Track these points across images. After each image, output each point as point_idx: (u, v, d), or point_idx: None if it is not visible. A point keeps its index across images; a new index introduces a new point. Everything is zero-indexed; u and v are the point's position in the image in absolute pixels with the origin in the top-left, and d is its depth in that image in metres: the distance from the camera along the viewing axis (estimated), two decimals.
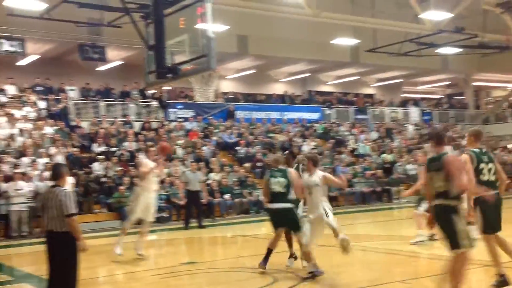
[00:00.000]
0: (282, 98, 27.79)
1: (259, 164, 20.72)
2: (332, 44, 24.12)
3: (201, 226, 15.50)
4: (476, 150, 6.84)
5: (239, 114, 24.78)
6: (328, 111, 27.63)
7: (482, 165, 6.71)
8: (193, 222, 15.73)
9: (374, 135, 26.42)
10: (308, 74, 30.09)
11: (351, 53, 26.86)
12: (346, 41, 24.19)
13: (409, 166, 22.67)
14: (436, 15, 20.57)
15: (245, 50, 24.58)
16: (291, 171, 8.43)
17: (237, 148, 21.92)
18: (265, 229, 14.14)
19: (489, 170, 6.75)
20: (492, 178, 6.77)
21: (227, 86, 28.07)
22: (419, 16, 20.77)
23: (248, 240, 13.14)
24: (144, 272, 9.34)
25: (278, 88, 30.04)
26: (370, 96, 32.88)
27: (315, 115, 27.09)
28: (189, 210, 15.79)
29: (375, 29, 22.58)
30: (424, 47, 22.35)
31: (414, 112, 30.29)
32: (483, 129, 20.58)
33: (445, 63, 30.09)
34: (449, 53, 25.48)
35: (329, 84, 32.28)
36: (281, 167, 8.42)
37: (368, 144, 24.95)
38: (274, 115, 25.88)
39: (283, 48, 24.49)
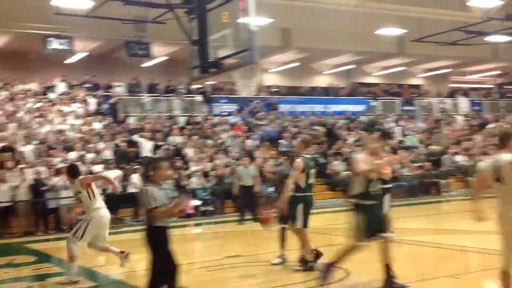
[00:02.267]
0: (326, 91, 27.53)
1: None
2: (377, 35, 23.71)
3: (255, 220, 15.49)
4: None
5: (283, 108, 24.70)
6: (373, 103, 27.22)
7: None
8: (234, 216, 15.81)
9: (421, 126, 25.87)
10: (352, 66, 29.70)
11: (397, 43, 26.31)
12: (391, 31, 23.72)
13: (458, 158, 22.08)
14: (485, 2, 19.88)
15: (289, 43, 24.44)
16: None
17: (280, 141, 21.87)
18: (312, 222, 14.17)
19: None
20: None
21: (270, 79, 28.03)
22: (467, 4, 20.14)
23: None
24: (189, 266, 9.45)
25: (322, 81, 29.79)
26: (416, 87, 32.18)
27: (360, 107, 26.73)
28: (242, 204, 15.81)
29: (421, 18, 22.00)
30: (473, 35, 21.68)
31: (463, 103, 29.49)
32: None
33: (495, 51, 29.07)
34: (499, 41, 24.64)
35: (374, 75, 31.78)
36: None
37: (416, 136, 24.45)
38: (318, 108, 25.68)
39: (327, 40, 24.21)
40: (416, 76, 33.17)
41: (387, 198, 8.07)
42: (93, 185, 8.23)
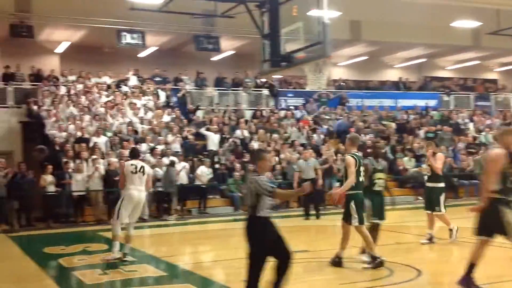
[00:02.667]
0: (396, 85, 26.84)
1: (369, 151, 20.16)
2: (451, 27, 22.86)
3: (318, 215, 15.37)
4: None
5: (351, 102, 24.29)
6: (446, 98, 26.30)
7: None
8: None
9: (497, 122, 24.74)
10: (424, 60, 28.81)
11: (472, 36, 25.26)
12: (466, 24, 22.79)
13: None
14: None
15: (358, 36, 23.99)
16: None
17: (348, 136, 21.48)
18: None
19: None
20: None
21: (338, 73, 27.63)
22: None
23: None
24: None
25: (391, 75, 29.08)
26: (492, 81, 30.82)
27: (431, 102, 25.88)
28: (306, 199, 15.67)
29: (498, 10, 21.01)
30: None
31: None
32: None
33: None
34: None
35: (447, 69, 30.70)
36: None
37: (491, 132, 23.41)
38: (388, 102, 25.10)
39: (398, 32, 23.54)
40: (492, 70, 31.76)
41: None
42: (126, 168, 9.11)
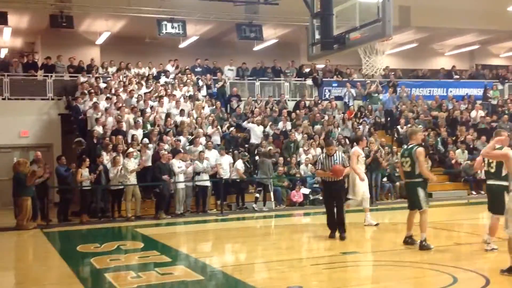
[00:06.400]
0: (448, 74, 25.43)
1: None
2: (508, 12, 21.41)
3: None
4: None
5: (399, 91, 23.13)
6: (500, 87, 24.79)
7: None
8: None
9: None
10: (476, 46, 27.28)
11: None
12: None
13: None
14: None
15: (407, 22, 22.72)
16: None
17: (397, 127, 20.45)
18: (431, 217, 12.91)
19: None
20: None
21: (386, 61, 26.36)
22: None
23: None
24: (301, 262, 8.73)
25: (441, 63, 27.72)
26: None
27: (484, 92, 24.44)
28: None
29: None
30: None
31: None
32: None
33: None
34: None
35: (501, 57, 29.06)
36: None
37: None
38: (438, 91, 23.85)
39: (450, 18, 22.18)
40: None
41: None
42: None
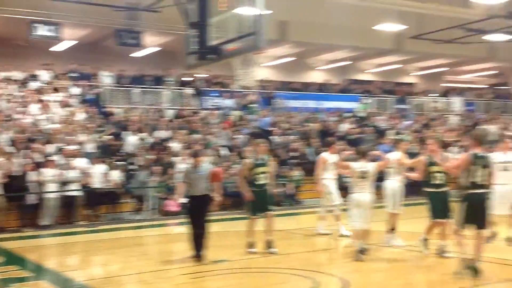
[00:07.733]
0: (320, 87, 26.79)
1: (293, 154, 19.87)
2: (375, 30, 23.05)
3: None
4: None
5: (275, 103, 23.95)
6: (366, 101, 26.58)
7: None
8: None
9: (413, 125, 25.25)
10: (348, 62, 29.04)
11: (395, 39, 25.71)
12: (390, 27, 23.05)
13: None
14: None
15: (285, 36, 23.66)
16: None
17: (271, 137, 21.12)
18: (295, 223, 13.45)
19: None
20: None
21: (263, 73, 27.26)
22: (469, 0, 19.49)
23: (284, 235, 12.34)
24: (175, 271, 8.73)
25: (315, 76, 29.14)
26: (410, 85, 31.63)
27: (353, 105, 26.08)
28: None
29: (422, 14, 21.36)
30: (472, 33, 21.09)
31: (457, 102, 28.91)
32: None
33: (493, 51, 28.54)
34: (498, 40, 24.02)
35: (368, 72, 31.17)
36: None
37: (409, 135, 23.78)
38: (311, 104, 25.04)
39: (325, 34, 23.47)
40: (410, 74, 32.62)
41: None
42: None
